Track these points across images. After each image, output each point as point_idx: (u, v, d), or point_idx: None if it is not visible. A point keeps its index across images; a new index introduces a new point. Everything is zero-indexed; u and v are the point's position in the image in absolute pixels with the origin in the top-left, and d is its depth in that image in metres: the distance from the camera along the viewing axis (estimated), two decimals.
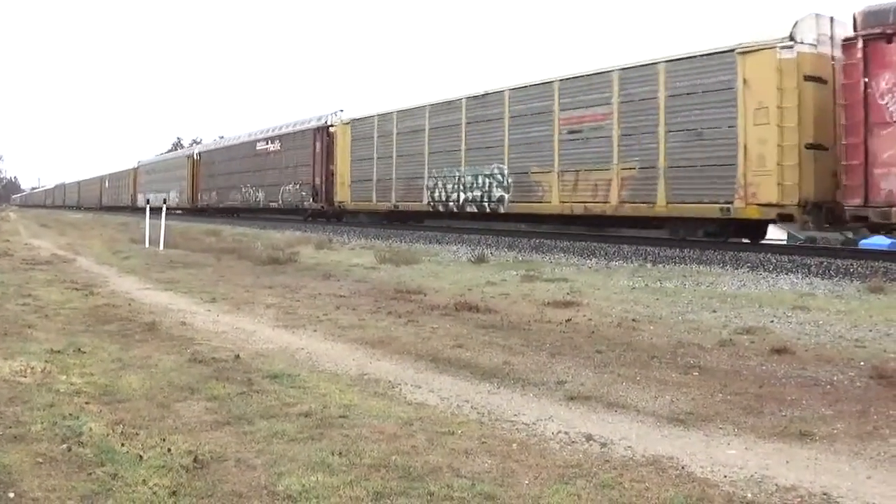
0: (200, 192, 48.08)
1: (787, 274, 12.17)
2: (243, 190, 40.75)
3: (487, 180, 21.52)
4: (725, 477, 3.93)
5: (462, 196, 22.67)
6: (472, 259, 15.49)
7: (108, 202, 74.41)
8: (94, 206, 79.45)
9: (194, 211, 48.95)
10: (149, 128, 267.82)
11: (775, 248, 16.23)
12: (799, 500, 3.65)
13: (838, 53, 13.99)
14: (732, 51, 15.11)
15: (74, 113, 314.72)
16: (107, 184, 76.50)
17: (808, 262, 12.91)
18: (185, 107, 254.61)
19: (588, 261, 15.02)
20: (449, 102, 23.30)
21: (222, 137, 51.15)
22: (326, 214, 32.51)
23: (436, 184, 23.83)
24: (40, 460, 4.03)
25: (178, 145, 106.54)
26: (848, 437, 4.55)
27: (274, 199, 36.72)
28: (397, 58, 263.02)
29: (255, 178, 39.21)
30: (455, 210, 23.19)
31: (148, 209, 24.52)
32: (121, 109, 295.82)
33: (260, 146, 38.83)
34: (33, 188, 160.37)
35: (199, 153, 49.28)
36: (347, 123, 29.50)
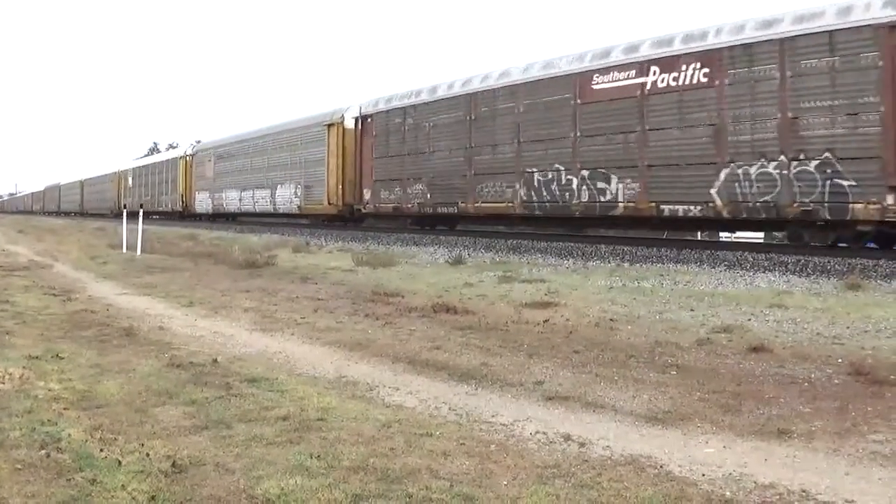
0: (370, 188, 25.70)
1: (764, 272, 12.23)
2: (537, 175, 19.09)
3: None
4: (704, 475, 3.95)
5: None
6: (450, 261, 15.45)
7: (133, 206, 41.38)
8: (106, 213, 56.75)
9: (352, 221, 28.55)
10: (124, 134, 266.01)
11: (752, 247, 16.33)
12: (777, 497, 3.68)
13: None
14: None
15: (48, 119, 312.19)
16: (129, 181, 51.58)
17: (786, 259, 12.96)
18: (161, 112, 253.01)
19: (565, 261, 15.03)
20: None
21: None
22: None
23: None
24: (19, 466, 4.01)
25: (154, 150, 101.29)
26: (826, 434, 4.59)
27: (686, 197, 15.58)
28: (395, 59, 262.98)
29: (584, 150, 17.82)
30: None
31: (125, 214, 23.88)
32: (95, 115, 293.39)
33: (607, 81, 17.33)
34: (11, 194, 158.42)
35: (365, 115, 26.15)
36: None
